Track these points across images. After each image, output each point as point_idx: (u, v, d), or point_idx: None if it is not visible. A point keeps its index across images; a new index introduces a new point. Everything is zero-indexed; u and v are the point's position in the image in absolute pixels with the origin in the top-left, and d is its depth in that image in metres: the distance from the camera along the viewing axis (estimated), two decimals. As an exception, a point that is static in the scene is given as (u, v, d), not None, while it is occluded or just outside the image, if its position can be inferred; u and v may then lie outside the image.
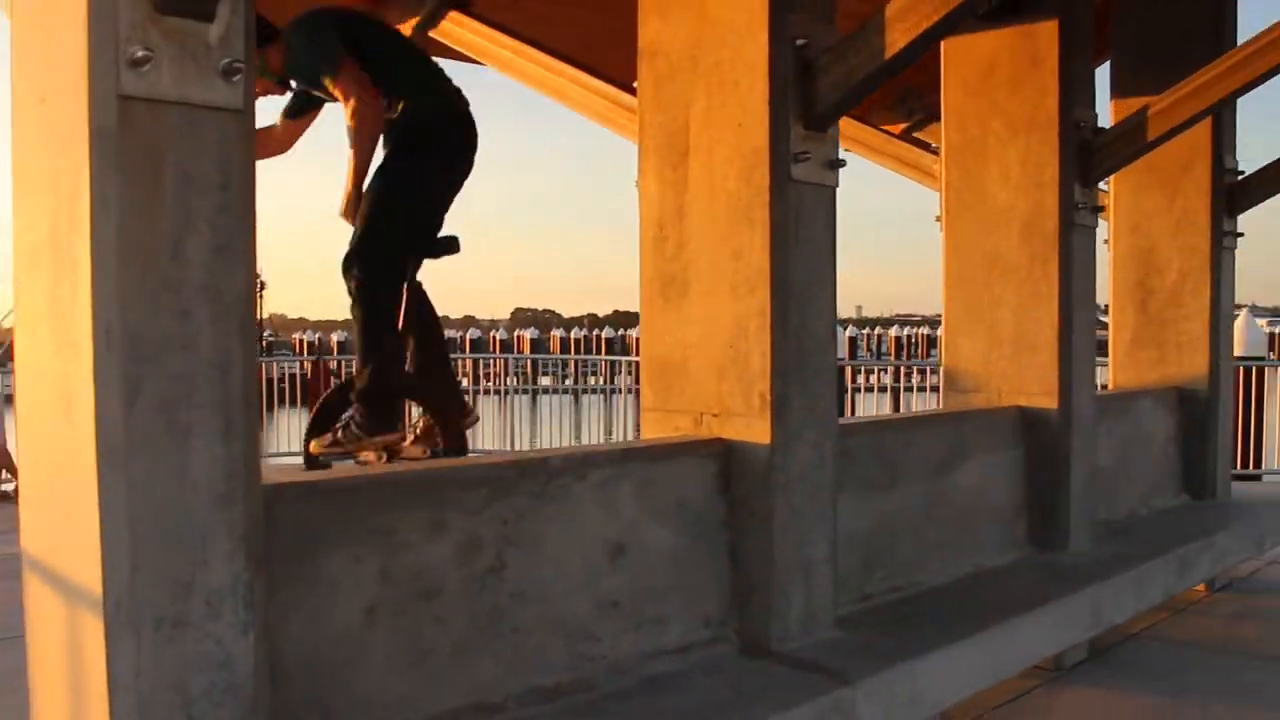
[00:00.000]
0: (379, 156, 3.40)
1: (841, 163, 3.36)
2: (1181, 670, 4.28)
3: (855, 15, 3.50)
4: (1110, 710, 3.87)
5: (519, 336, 55.41)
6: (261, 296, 59.80)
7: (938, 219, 4.86)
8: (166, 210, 2.04)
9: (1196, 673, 4.26)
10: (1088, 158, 4.45)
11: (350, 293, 3.29)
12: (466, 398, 3.59)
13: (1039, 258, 4.45)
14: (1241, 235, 5.56)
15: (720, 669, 3.06)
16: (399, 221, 3.34)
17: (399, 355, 3.42)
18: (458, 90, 3.56)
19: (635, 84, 3.66)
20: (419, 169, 3.35)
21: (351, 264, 3.29)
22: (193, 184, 2.07)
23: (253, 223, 2.17)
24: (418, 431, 3.67)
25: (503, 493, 2.75)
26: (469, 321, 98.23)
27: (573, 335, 56.07)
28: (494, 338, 52.77)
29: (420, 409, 3.59)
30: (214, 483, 2.09)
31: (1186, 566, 4.59)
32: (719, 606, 3.23)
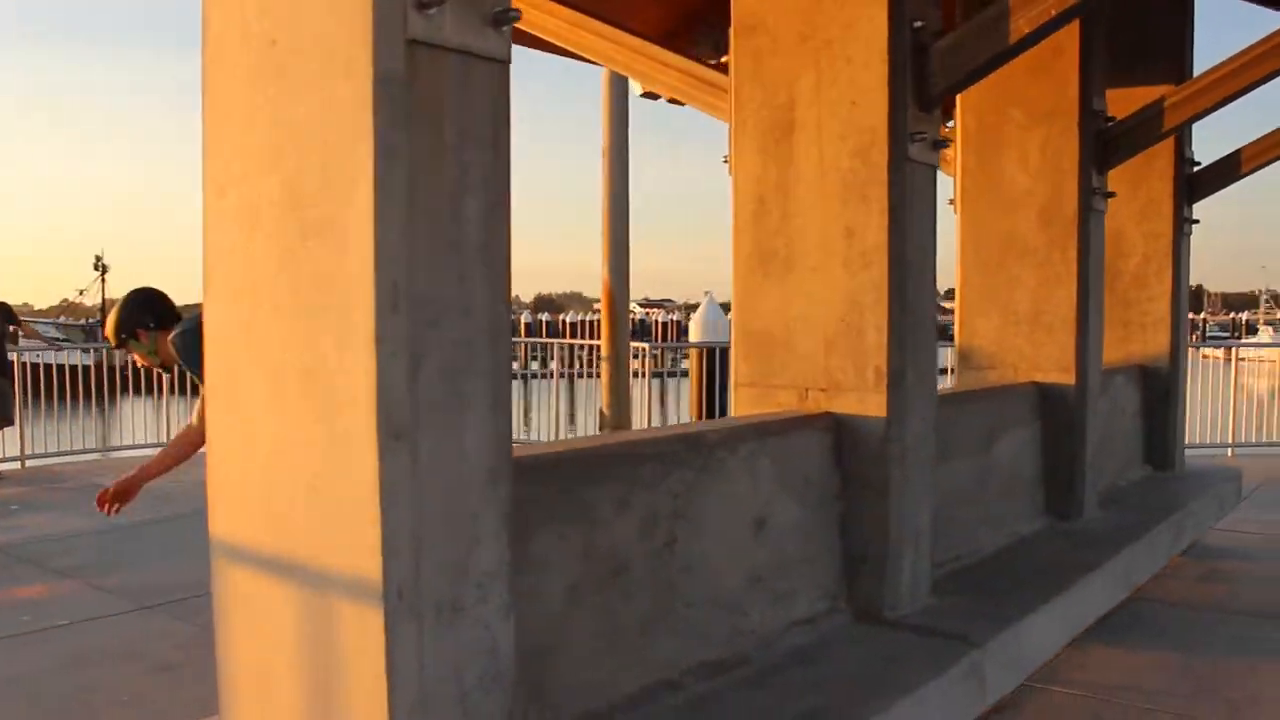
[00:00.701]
0: None
1: (944, 143, 3.44)
2: (1178, 628, 4.60)
3: None
4: (1138, 666, 4.13)
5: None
6: (104, 280, 56.22)
7: (951, 203, 5.02)
8: (447, 165, 1.90)
9: (1191, 630, 4.59)
10: (1102, 146, 4.70)
11: None
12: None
13: (1058, 241, 4.67)
14: (1198, 222, 5.99)
15: (851, 638, 3.11)
16: None
17: None
18: None
19: (725, 59, 3.64)
20: None
21: None
22: (469, 138, 1.94)
23: (511, 184, 2.05)
24: None
25: (674, 466, 2.70)
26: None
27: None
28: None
29: None
30: (485, 458, 1.97)
31: (1180, 533, 4.94)
32: (833, 578, 3.27)
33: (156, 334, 3.65)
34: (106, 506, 3.53)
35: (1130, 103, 5.12)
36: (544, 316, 63.88)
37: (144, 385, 10.59)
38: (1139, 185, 5.93)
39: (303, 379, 1.91)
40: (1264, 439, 9.95)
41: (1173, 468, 5.94)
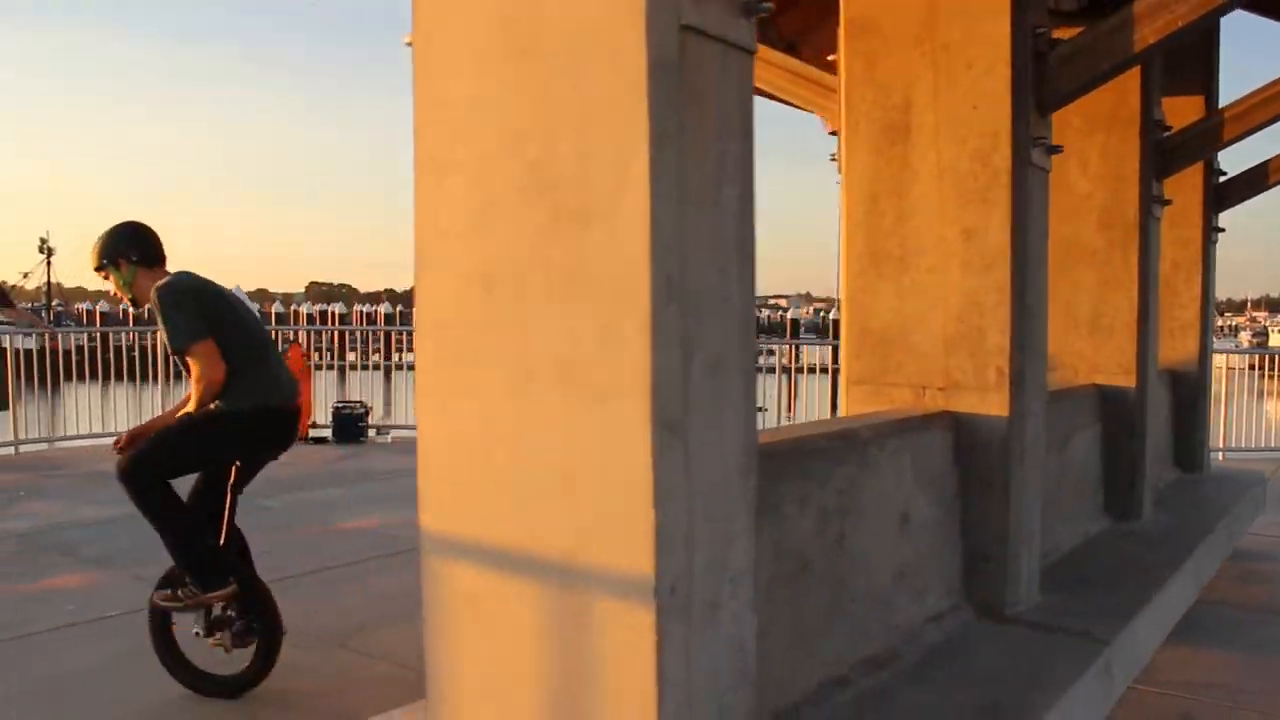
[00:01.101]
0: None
1: (1057, 148, 3.49)
2: (1234, 628, 4.70)
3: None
4: (1209, 665, 4.21)
5: (333, 311, 53.58)
6: (50, 263, 54.43)
7: (1007, 206, 5.09)
8: (710, 153, 1.88)
9: (1247, 630, 4.69)
10: (1161, 155, 4.81)
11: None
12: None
13: (1118, 245, 4.77)
14: (1224, 231, 6.16)
15: (981, 635, 3.13)
16: (173, 462, 3.59)
17: (191, 528, 3.61)
18: (282, 381, 3.76)
19: (832, 57, 3.66)
20: (219, 437, 3.62)
21: (121, 478, 3.50)
22: (727, 126, 1.92)
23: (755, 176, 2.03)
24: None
25: (839, 463, 2.70)
26: (264, 295, 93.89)
27: (381, 310, 54.31)
28: (299, 312, 50.44)
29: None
30: (738, 452, 1.96)
31: (1233, 534, 5.07)
32: (955, 574, 3.30)
33: (138, 268, 3.70)
34: (122, 453, 3.59)
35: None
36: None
37: (88, 372, 10.35)
38: (1170, 193, 6.07)
39: (556, 369, 1.86)
40: (1244, 444, 10.25)
41: (1200, 470, 6.09)
